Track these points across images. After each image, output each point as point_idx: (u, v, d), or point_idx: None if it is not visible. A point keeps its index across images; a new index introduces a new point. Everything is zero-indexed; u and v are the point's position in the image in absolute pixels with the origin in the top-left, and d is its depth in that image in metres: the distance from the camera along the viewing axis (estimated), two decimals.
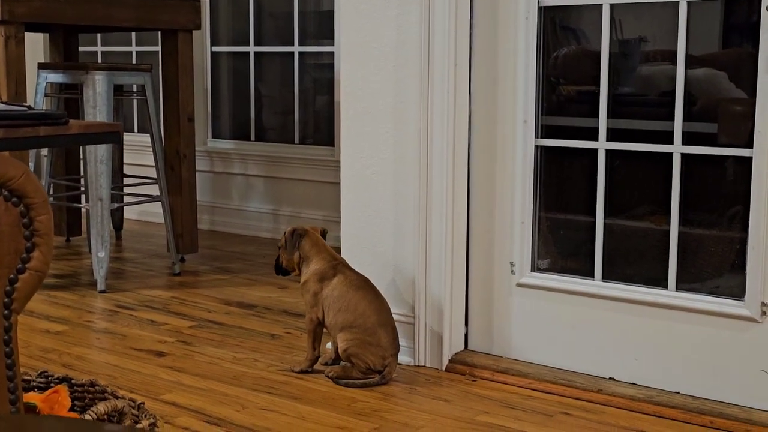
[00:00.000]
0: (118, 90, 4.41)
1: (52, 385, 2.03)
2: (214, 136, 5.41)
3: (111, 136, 1.86)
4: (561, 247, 3.00)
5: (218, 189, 5.34)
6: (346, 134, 3.07)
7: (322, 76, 5.10)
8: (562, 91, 2.99)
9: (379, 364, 2.79)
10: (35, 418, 1.28)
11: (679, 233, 2.68)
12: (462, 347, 3.01)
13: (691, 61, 2.65)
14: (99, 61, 5.82)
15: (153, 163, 4.31)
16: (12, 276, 1.51)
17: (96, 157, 3.86)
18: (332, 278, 2.83)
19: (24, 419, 1.12)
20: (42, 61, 5.38)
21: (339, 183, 3.14)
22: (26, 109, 1.93)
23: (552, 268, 2.93)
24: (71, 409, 1.95)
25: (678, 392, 2.65)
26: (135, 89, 4.63)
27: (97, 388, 1.98)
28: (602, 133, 2.77)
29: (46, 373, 2.08)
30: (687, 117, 2.65)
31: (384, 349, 2.79)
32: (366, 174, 3.04)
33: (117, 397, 1.90)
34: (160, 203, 4.28)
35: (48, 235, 1.53)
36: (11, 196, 1.50)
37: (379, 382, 2.78)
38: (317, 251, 2.87)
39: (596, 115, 2.78)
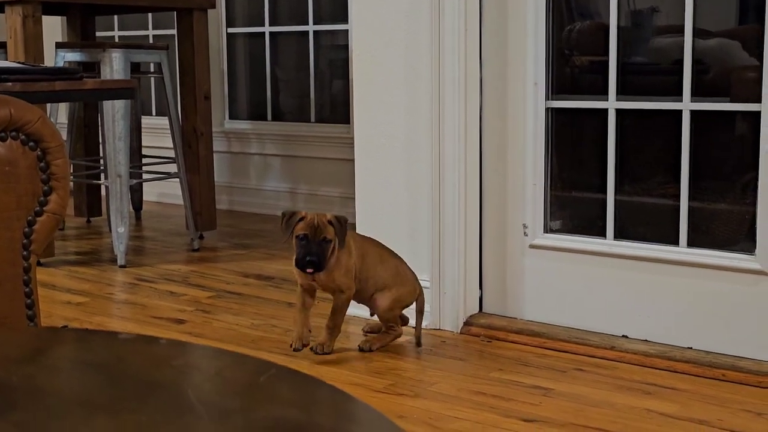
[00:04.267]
0: (135, 69, 4.46)
1: None
2: (231, 118, 5.45)
3: (126, 91, 1.90)
4: (573, 208, 3.02)
5: (236, 169, 5.39)
6: (359, 102, 3.10)
7: (337, 57, 5.13)
8: (576, 62, 3.01)
9: (413, 298, 2.86)
10: (53, 330, 1.32)
11: (690, 193, 2.70)
12: (476, 310, 3.04)
13: (704, 33, 2.66)
14: None
15: (171, 145, 4.36)
16: (30, 218, 1.56)
17: (114, 134, 3.91)
18: (350, 245, 2.85)
19: (41, 331, 1.16)
20: None
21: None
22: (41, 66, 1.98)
23: (564, 229, 2.96)
24: None
25: (690, 347, 2.67)
26: (152, 69, 4.68)
27: None
28: (612, 91, 2.79)
29: (66, 328, 2.13)
30: (696, 91, 2.67)
31: (411, 281, 2.85)
32: (380, 142, 3.07)
33: None
34: (178, 182, 4.32)
35: (65, 179, 1.58)
36: (28, 140, 1.54)
37: (407, 322, 2.91)
38: None
39: (607, 91, 2.80)
